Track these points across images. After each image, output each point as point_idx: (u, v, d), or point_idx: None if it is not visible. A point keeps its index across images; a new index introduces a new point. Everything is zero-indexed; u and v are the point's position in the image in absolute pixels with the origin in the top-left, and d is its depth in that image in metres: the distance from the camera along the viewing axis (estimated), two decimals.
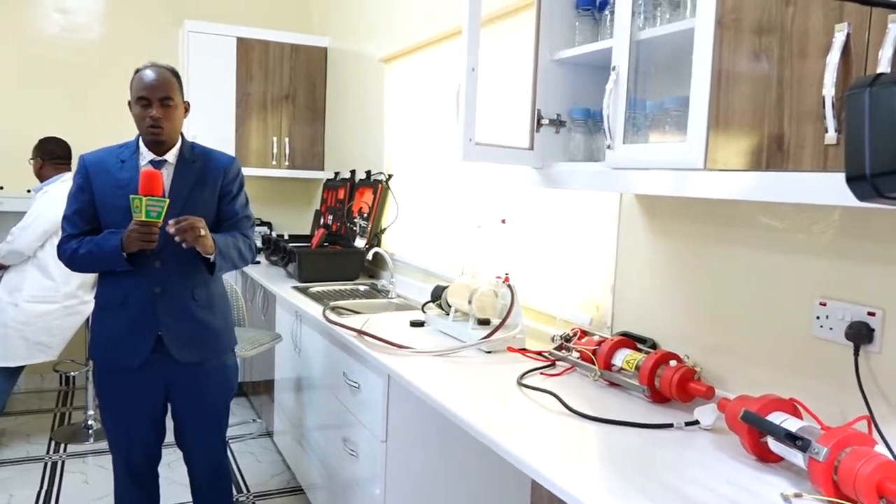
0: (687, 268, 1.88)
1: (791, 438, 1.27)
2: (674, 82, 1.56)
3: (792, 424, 1.32)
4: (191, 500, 2.48)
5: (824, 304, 1.50)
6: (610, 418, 1.61)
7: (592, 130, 1.94)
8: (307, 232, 4.93)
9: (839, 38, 1.11)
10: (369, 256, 3.45)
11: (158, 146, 2.19)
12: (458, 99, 1.86)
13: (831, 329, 1.49)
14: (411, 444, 2.18)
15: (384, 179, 3.83)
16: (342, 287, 3.57)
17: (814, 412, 1.41)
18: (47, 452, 3.64)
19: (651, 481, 1.29)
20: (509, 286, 2.29)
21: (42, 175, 3.62)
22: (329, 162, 4.87)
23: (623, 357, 1.86)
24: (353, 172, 4.31)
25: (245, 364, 4.23)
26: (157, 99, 2.13)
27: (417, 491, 2.19)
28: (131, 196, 2.03)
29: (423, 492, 2.20)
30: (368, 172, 4.06)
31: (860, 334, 1.42)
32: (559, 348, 2.11)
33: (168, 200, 2.06)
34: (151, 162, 2.19)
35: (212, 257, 2.16)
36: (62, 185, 3.53)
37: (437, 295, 2.61)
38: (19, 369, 3.56)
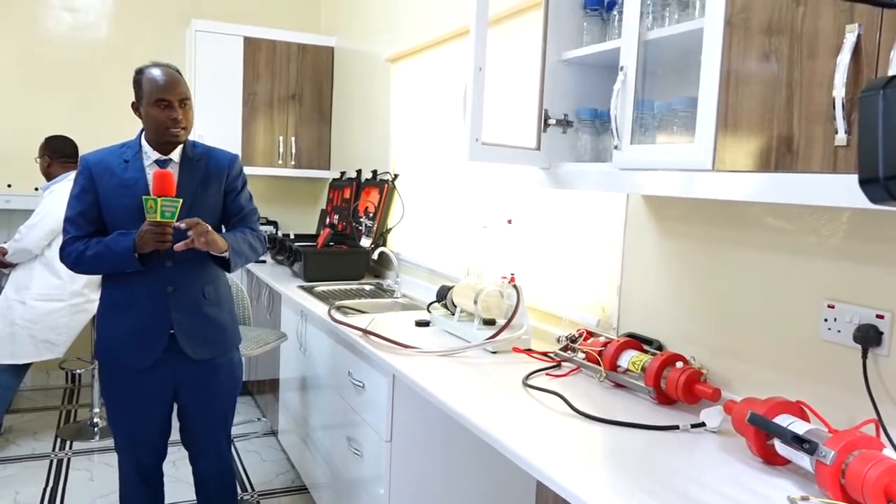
0: (694, 269, 1.88)
1: (798, 441, 1.27)
2: (682, 83, 1.56)
3: (799, 427, 1.31)
4: (195, 498, 2.48)
5: (832, 307, 1.49)
6: (615, 420, 1.60)
7: (600, 131, 1.93)
8: (313, 231, 4.94)
9: (850, 39, 1.10)
10: (375, 256, 3.45)
11: (165, 147, 2.19)
12: (465, 99, 1.86)
13: (839, 332, 1.48)
14: (416, 444, 2.17)
15: (390, 179, 3.83)
16: (348, 286, 3.57)
17: (821, 415, 1.40)
18: (53, 450, 3.65)
19: (656, 483, 1.28)
20: (515, 286, 2.28)
21: (50, 173, 3.64)
22: (335, 161, 4.87)
23: (629, 358, 1.85)
24: (359, 172, 4.31)
25: (250, 363, 4.23)
26: (178, 100, 2.13)
27: (422, 491, 2.19)
28: (144, 197, 2.03)
29: (427, 492, 2.20)
30: (374, 172, 4.06)
31: (868, 337, 1.41)
32: (565, 349, 2.10)
33: (182, 200, 2.06)
34: (157, 162, 2.19)
35: (226, 255, 2.17)
36: (70, 184, 3.53)
37: (443, 295, 2.61)
38: (26, 366, 3.57)
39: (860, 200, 1.07)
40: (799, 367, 1.58)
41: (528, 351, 2.22)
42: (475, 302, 2.32)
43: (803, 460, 1.28)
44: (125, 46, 4.71)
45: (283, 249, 4.01)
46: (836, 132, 1.12)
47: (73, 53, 4.61)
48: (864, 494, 1.14)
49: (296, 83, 4.77)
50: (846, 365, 1.47)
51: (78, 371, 4.62)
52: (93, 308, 3.59)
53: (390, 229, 3.82)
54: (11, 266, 3.55)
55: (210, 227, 2.10)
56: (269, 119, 4.72)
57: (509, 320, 2.25)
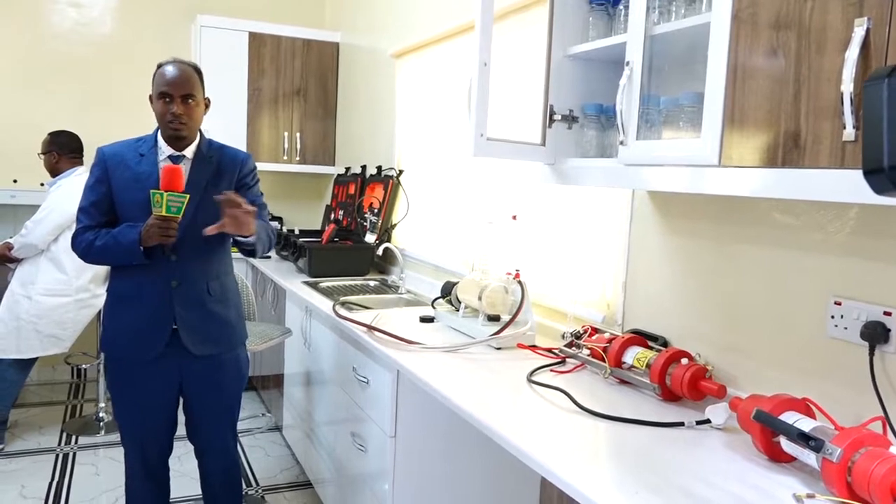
0: (699, 265, 1.87)
1: (804, 438, 1.26)
2: (688, 78, 1.55)
3: (805, 424, 1.30)
4: (201, 493, 2.49)
5: (839, 304, 1.49)
6: (620, 416, 1.60)
7: (605, 126, 1.92)
8: (318, 227, 4.94)
9: (859, 33, 1.09)
10: (379, 252, 3.45)
11: (178, 142, 2.20)
12: (470, 94, 1.85)
13: (846, 329, 1.47)
14: (420, 439, 2.17)
15: (395, 175, 3.83)
16: (352, 282, 3.57)
17: (827, 412, 1.39)
18: (59, 444, 3.67)
19: (661, 480, 1.28)
20: (520, 282, 2.28)
21: (57, 169, 3.64)
22: (340, 157, 4.87)
23: (634, 355, 1.85)
24: (363, 168, 4.31)
25: (255, 358, 4.24)
26: (179, 96, 2.14)
27: (426, 486, 2.19)
28: (152, 191, 2.04)
29: (431, 487, 2.20)
30: (379, 168, 4.06)
31: (876, 334, 1.40)
32: (569, 345, 2.10)
33: (188, 196, 2.07)
34: (170, 157, 2.20)
35: (252, 239, 2.16)
36: (76, 179, 3.55)
37: (447, 291, 2.61)
38: (32, 361, 3.59)
39: (868, 196, 1.07)
40: (805, 364, 1.57)
41: (533, 347, 2.21)
42: (480, 298, 2.32)
43: (809, 458, 1.28)
44: (130, 42, 4.71)
45: (288, 245, 4.01)
46: (844, 127, 1.11)
47: (77, 49, 4.61)
48: (871, 492, 1.13)
49: (300, 79, 4.77)
50: (853, 362, 1.47)
51: (83, 366, 4.64)
52: (98, 303, 3.61)
53: (395, 225, 3.82)
54: (17, 261, 3.56)
55: (253, 209, 2.05)
56: (274, 115, 4.72)
57: (514, 316, 2.24)
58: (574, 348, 2.07)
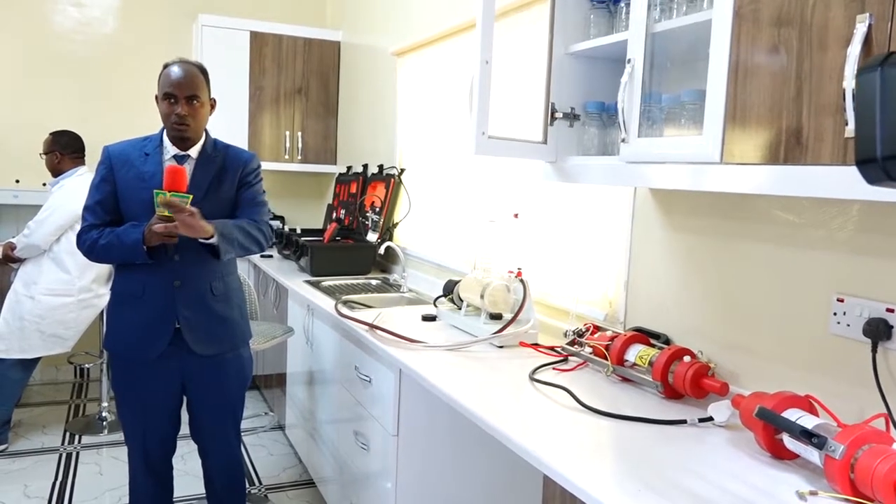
0: (701, 263, 1.87)
1: (807, 435, 1.26)
2: (690, 75, 1.54)
3: (808, 421, 1.30)
4: (204, 492, 2.50)
5: (842, 301, 1.48)
6: (623, 414, 1.60)
7: (607, 124, 1.92)
8: (319, 226, 4.94)
9: (860, 30, 1.08)
10: (381, 251, 3.45)
11: (183, 142, 2.20)
12: (472, 92, 1.85)
13: (849, 326, 1.47)
14: (422, 438, 2.17)
15: (396, 173, 3.83)
16: (354, 281, 3.57)
17: (830, 409, 1.39)
18: (62, 443, 3.67)
19: (663, 478, 1.28)
20: (522, 281, 2.28)
21: (60, 169, 3.64)
22: (341, 156, 4.87)
23: (636, 352, 1.85)
24: (365, 166, 4.31)
25: (257, 357, 4.24)
26: (184, 97, 2.14)
27: (428, 485, 2.19)
28: (155, 191, 2.04)
29: (434, 486, 2.20)
30: (381, 166, 4.05)
31: (878, 331, 1.40)
32: (572, 343, 2.10)
33: (192, 196, 2.07)
34: (175, 157, 2.21)
35: (214, 240, 2.10)
36: (78, 179, 3.55)
37: (449, 289, 2.61)
38: (35, 361, 3.59)
39: (870, 193, 1.07)
40: (808, 362, 1.57)
41: (535, 345, 2.21)
42: (482, 296, 2.32)
43: (812, 455, 1.27)
44: (132, 41, 4.72)
45: (290, 244, 4.02)
46: (847, 124, 1.11)
47: (79, 49, 4.62)
48: (874, 489, 1.13)
49: (302, 77, 4.77)
50: (856, 359, 1.46)
51: (86, 365, 4.64)
52: (101, 303, 3.61)
53: (397, 224, 3.82)
54: (20, 261, 3.57)
55: (196, 211, 2.03)
56: (276, 114, 4.72)
57: (516, 315, 2.24)
58: (576, 346, 2.07)
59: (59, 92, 4.57)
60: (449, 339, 2.29)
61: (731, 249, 1.77)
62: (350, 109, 4.72)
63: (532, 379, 1.87)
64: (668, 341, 1.94)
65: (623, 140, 1.60)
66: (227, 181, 2.27)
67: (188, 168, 2.19)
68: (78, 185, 3.47)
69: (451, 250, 3.25)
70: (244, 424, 2.74)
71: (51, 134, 3.67)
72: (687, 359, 1.73)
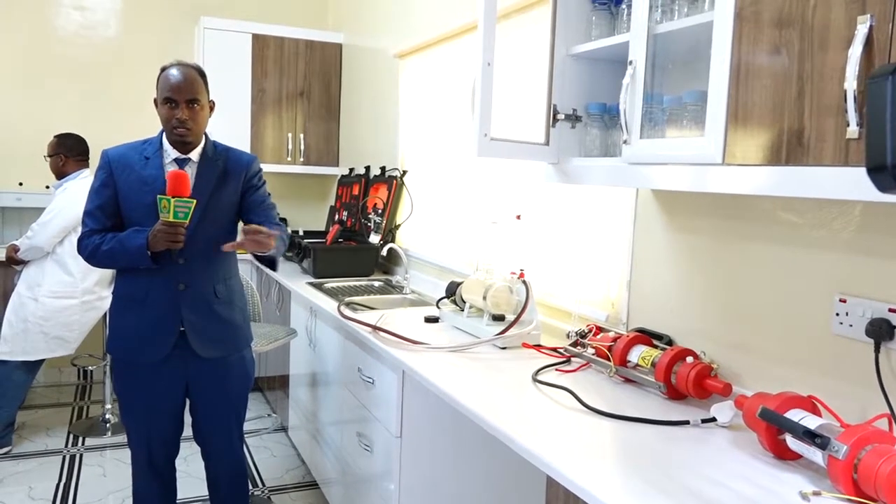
0: (704, 263, 1.87)
1: (810, 436, 1.26)
2: (692, 76, 1.55)
3: (811, 422, 1.30)
4: (207, 494, 2.50)
5: (844, 301, 1.48)
6: (625, 415, 1.60)
7: (609, 125, 1.92)
8: (322, 228, 4.94)
9: (861, 31, 1.09)
10: (384, 252, 3.45)
11: (184, 146, 2.20)
12: (474, 94, 1.85)
13: (851, 326, 1.47)
14: (426, 439, 2.18)
15: (399, 175, 3.83)
16: (357, 283, 3.58)
17: (833, 410, 1.39)
18: (66, 446, 3.68)
19: (667, 478, 1.28)
20: (524, 282, 2.28)
21: (64, 171, 3.65)
22: (344, 158, 4.87)
23: (639, 353, 1.85)
24: (367, 168, 4.31)
25: (260, 359, 4.25)
26: (184, 101, 2.13)
27: (432, 486, 2.19)
28: (159, 196, 2.03)
29: (437, 487, 2.20)
30: (383, 168, 4.06)
31: (881, 331, 1.40)
32: (574, 344, 2.10)
33: (196, 201, 2.06)
34: (176, 160, 2.20)
35: (272, 252, 2.15)
36: (82, 182, 3.56)
37: (452, 291, 2.61)
38: (38, 363, 3.60)
39: (872, 193, 1.07)
40: (810, 362, 1.57)
41: (538, 346, 2.21)
42: (484, 298, 2.32)
43: (815, 455, 1.27)
44: (134, 44, 4.73)
45: (293, 246, 4.02)
46: (848, 125, 1.11)
47: (82, 52, 4.63)
48: (877, 489, 1.13)
49: (304, 80, 4.78)
50: (858, 359, 1.46)
51: (90, 368, 4.65)
52: (104, 305, 3.62)
53: (399, 225, 3.82)
54: (24, 263, 3.57)
55: (274, 234, 2.05)
56: (278, 116, 4.73)
57: (518, 316, 2.24)
58: (579, 347, 2.07)
59: (62, 95, 4.58)
60: (452, 340, 2.29)
61: (734, 250, 1.78)
62: (352, 111, 4.72)
63: (535, 380, 1.87)
64: (670, 342, 1.94)
65: (625, 141, 1.60)
66: (231, 185, 2.27)
67: (190, 172, 2.18)
68: (81, 188, 3.47)
69: (453, 252, 3.26)
70: (247, 426, 2.75)
71: (55, 137, 3.68)
72: (690, 359, 1.73)
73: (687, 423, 1.57)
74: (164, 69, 2.17)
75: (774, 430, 1.37)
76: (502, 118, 2.15)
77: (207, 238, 2.20)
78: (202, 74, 2.21)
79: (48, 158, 3.67)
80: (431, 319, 2.59)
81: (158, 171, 2.17)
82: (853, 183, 1.12)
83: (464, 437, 2.22)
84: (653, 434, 1.50)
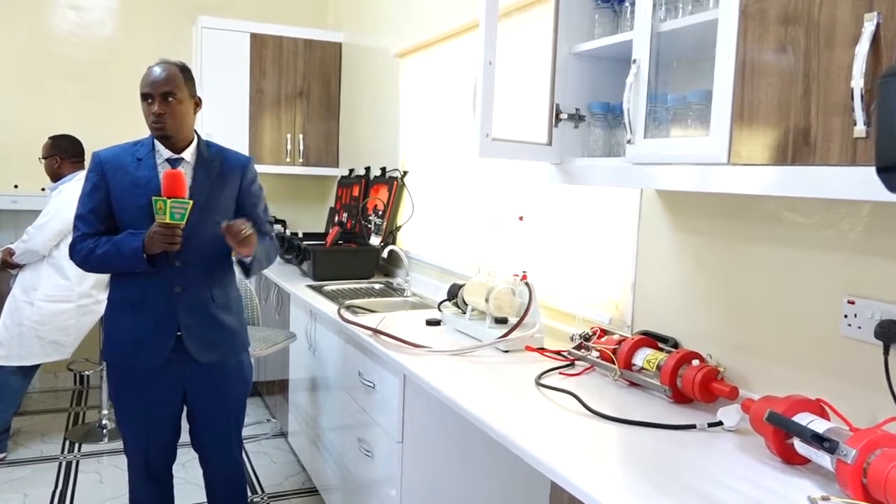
0: (709, 265, 1.85)
1: (818, 440, 1.24)
2: (696, 75, 1.53)
3: (819, 425, 1.28)
4: (205, 500, 2.47)
5: (853, 303, 1.47)
6: (630, 419, 1.58)
7: (612, 125, 1.90)
8: (322, 230, 4.92)
9: (868, 29, 1.07)
10: (384, 254, 3.43)
11: (169, 142, 2.17)
12: (475, 93, 1.84)
13: (860, 328, 1.45)
14: (428, 444, 2.16)
15: (399, 176, 3.81)
16: (357, 285, 3.56)
17: (842, 413, 1.37)
18: (62, 452, 3.65)
19: (673, 483, 1.26)
20: (527, 284, 2.26)
21: (59, 173, 3.63)
22: (343, 159, 4.85)
23: (644, 356, 1.83)
24: (367, 169, 4.30)
25: (259, 363, 4.23)
26: (159, 94, 2.10)
27: (434, 492, 2.17)
28: (154, 198, 2.01)
29: (439, 493, 2.18)
30: (383, 169, 4.04)
31: (890, 333, 1.38)
32: (578, 347, 2.08)
33: (192, 202, 2.04)
34: (169, 160, 2.17)
35: (249, 260, 2.19)
36: (77, 184, 3.53)
37: (454, 293, 2.59)
38: (34, 368, 3.57)
39: (881, 193, 1.05)
40: (818, 364, 1.55)
41: (541, 349, 2.20)
42: (486, 300, 2.30)
43: (824, 460, 1.26)
44: (131, 44, 4.70)
45: (292, 248, 4.00)
46: (855, 123, 1.09)
47: (78, 52, 4.61)
48: (887, 494, 1.11)
49: (303, 80, 4.76)
50: (867, 361, 1.44)
51: (86, 373, 4.63)
52: (100, 309, 3.59)
53: (400, 227, 3.80)
54: (19, 267, 3.55)
55: (254, 232, 2.10)
56: (277, 116, 4.71)
57: (521, 318, 2.22)
58: (583, 350, 2.05)
59: (57, 95, 4.56)
60: (454, 343, 2.27)
61: (740, 251, 1.76)
62: (352, 111, 4.70)
63: (538, 384, 1.85)
64: (676, 345, 1.92)
65: (629, 141, 1.59)
66: (228, 186, 2.25)
67: (185, 172, 2.15)
68: (77, 190, 3.42)
69: (455, 254, 3.24)
70: (246, 431, 2.73)
71: (50, 138, 3.66)
72: (695, 362, 1.71)
73: (693, 427, 1.55)
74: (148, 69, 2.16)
75: (782, 434, 1.36)
76: (504, 118, 2.12)
77: (204, 240, 2.17)
78: (183, 70, 2.17)
79: (43, 160, 3.65)
80: (433, 322, 2.57)
81: (152, 172, 2.14)
82: (861, 183, 1.10)
83: (466, 443, 2.20)
84: (658, 438, 1.49)
